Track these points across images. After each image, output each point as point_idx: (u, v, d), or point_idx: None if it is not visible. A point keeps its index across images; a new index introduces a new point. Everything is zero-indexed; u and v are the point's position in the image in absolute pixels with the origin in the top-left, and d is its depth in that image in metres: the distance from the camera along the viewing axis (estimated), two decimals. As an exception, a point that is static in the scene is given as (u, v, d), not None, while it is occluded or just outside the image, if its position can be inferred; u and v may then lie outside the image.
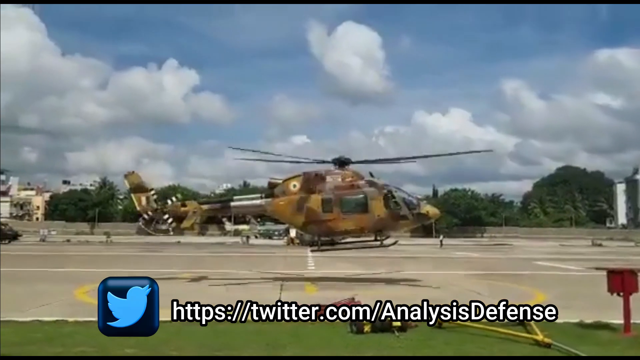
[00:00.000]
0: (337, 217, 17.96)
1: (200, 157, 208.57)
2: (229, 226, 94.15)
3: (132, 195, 19.98)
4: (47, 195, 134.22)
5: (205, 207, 20.18)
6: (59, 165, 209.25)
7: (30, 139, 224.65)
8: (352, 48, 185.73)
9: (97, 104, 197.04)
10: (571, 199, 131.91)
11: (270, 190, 19.02)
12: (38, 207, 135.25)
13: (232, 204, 20.01)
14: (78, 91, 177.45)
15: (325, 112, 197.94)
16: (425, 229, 75.28)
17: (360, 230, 18.43)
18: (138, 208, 19.59)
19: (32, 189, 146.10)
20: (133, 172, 20.05)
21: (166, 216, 19.35)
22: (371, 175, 18.87)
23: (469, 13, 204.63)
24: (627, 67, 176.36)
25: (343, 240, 20.00)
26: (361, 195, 18.13)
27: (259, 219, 79.54)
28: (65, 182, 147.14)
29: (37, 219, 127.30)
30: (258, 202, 19.46)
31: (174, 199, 19.84)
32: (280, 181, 18.95)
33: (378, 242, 18.71)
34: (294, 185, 18.46)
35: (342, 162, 18.60)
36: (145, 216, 19.40)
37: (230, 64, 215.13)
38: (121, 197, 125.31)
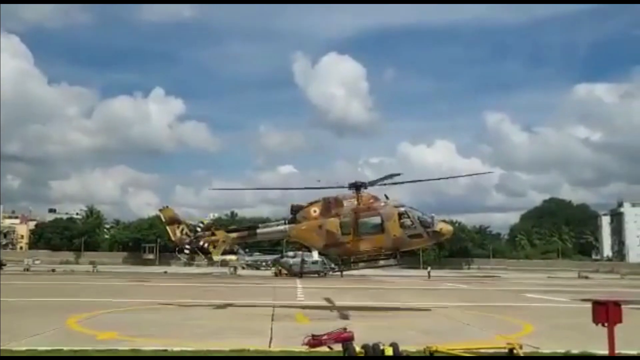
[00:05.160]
0: (354, 238, 18.84)
1: (187, 186, 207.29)
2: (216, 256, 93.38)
3: (167, 227, 21.15)
4: (31, 224, 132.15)
5: (233, 235, 21.25)
6: (43, 193, 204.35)
7: (13, 167, 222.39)
8: (338, 80, 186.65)
9: (82, 132, 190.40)
10: (558, 231, 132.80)
11: (293, 217, 19.97)
12: (22, 235, 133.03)
13: (259, 231, 20.87)
14: (63, 119, 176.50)
15: (311, 142, 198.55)
16: (412, 261, 75.30)
17: (377, 250, 19.27)
18: (173, 239, 20.89)
19: (16, 217, 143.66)
20: (167, 207, 21.73)
21: (204, 244, 20.35)
22: (386, 197, 19.72)
23: (454, 46, 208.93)
24: (607, 102, 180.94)
25: (359, 262, 20.63)
26: (377, 217, 19.04)
27: (247, 249, 79.09)
28: (51, 210, 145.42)
29: (21, 248, 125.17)
30: (282, 228, 20.50)
31: (198, 229, 20.84)
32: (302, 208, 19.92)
33: (394, 261, 19.71)
34: (314, 211, 19.54)
35: (357, 186, 19.38)
36: (186, 247, 20.43)
37: (217, 94, 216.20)
38: (107, 226, 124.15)
